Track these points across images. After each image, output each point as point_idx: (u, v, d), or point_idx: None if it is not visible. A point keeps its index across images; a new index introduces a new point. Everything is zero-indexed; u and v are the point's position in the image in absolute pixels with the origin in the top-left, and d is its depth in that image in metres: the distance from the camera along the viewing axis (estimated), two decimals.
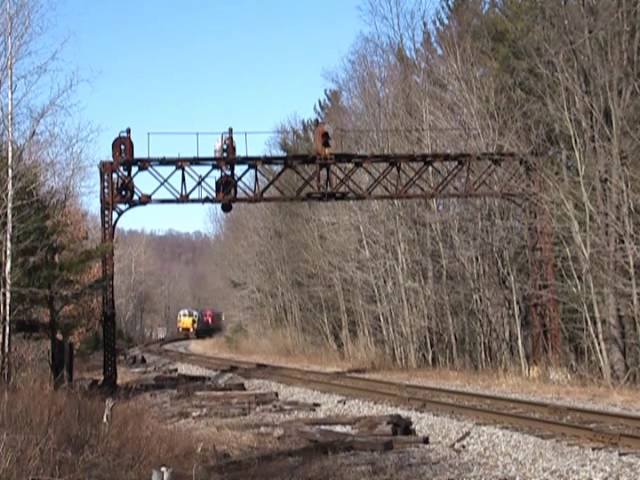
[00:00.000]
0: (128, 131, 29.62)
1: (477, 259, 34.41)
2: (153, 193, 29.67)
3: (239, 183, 30.54)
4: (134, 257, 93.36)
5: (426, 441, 16.04)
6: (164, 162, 29.79)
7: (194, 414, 21.30)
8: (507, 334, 33.70)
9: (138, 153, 29.70)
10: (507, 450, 14.18)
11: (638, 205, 25.14)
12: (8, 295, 21.72)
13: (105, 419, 14.34)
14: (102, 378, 29.59)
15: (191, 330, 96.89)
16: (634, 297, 24.95)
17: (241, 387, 28.97)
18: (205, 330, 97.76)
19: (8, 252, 21.59)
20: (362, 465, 13.63)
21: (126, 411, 17.10)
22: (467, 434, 15.75)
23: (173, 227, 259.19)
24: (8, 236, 21.49)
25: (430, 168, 32.69)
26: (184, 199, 29.88)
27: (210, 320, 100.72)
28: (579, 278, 27.77)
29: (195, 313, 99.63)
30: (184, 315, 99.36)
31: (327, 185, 30.33)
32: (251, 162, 30.47)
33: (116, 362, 31.19)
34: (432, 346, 36.85)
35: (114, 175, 29.64)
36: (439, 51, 41.19)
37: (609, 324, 26.52)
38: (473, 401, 20.64)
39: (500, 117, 32.76)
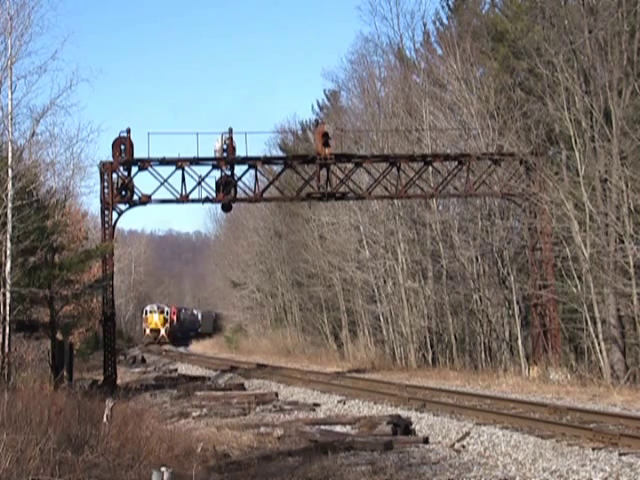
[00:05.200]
0: (128, 131, 29.60)
1: (477, 259, 34.40)
2: (153, 193, 29.69)
3: (239, 183, 30.55)
4: (134, 257, 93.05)
5: (426, 441, 16.05)
6: (164, 162, 29.77)
7: (194, 414, 21.30)
8: (507, 334, 33.69)
9: (138, 153, 29.70)
10: (507, 450, 14.18)
11: (638, 205, 25.13)
12: (8, 295, 21.72)
13: (105, 419, 14.34)
14: (102, 378, 29.58)
15: (162, 333, 75.71)
16: (634, 297, 24.93)
17: (241, 387, 28.99)
18: (178, 332, 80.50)
19: (8, 252, 21.60)
20: (362, 465, 13.63)
21: (126, 411, 17.10)
22: (467, 434, 15.75)
23: (173, 227, 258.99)
24: (8, 236, 21.50)
25: (430, 168, 32.67)
26: (184, 199, 29.87)
27: (175, 319, 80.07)
28: (579, 278, 27.76)
29: (167, 310, 78.34)
30: (151, 312, 77.20)
31: (327, 185, 30.32)
32: (251, 162, 30.46)
33: (116, 362, 31.19)
34: (432, 346, 36.85)
35: (114, 175, 29.64)
36: (439, 51, 41.20)
37: (609, 324, 26.52)
38: (473, 401, 20.63)
39: (500, 117, 32.75)
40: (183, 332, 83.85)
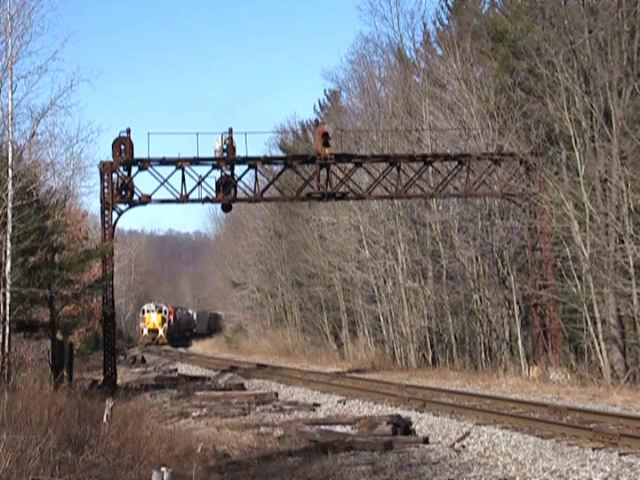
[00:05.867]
0: (128, 131, 29.61)
1: (477, 259, 34.40)
2: (153, 193, 29.70)
3: (239, 183, 30.56)
4: (134, 257, 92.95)
5: (426, 441, 16.05)
6: (164, 162, 29.78)
7: (194, 414, 21.30)
8: (507, 334, 33.68)
9: (138, 153, 29.70)
10: (507, 450, 14.18)
11: (638, 205, 25.12)
12: (8, 295, 21.71)
13: (105, 419, 14.35)
14: (102, 378, 29.58)
15: (160, 333, 72.64)
16: (634, 297, 24.92)
17: (241, 387, 28.99)
18: (175, 333, 76.88)
19: (8, 252, 21.59)
20: (362, 465, 13.64)
21: (126, 411, 17.09)
22: (467, 434, 15.75)
23: (173, 227, 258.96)
24: (8, 236, 21.49)
25: (430, 168, 32.67)
26: (184, 199, 29.88)
27: (172, 319, 77.02)
28: (579, 278, 27.75)
29: (165, 309, 75.09)
30: (149, 311, 73.69)
31: (327, 185, 30.32)
32: (251, 162, 30.46)
33: (116, 362, 31.19)
34: (432, 346, 36.84)
35: (114, 175, 29.64)
36: (439, 51, 41.21)
37: (609, 324, 26.51)
38: (473, 401, 20.64)
39: (500, 117, 32.74)
40: (179, 333, 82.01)
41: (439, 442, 15.93)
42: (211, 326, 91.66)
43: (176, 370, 42.08)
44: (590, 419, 16.19)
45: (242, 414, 21.39)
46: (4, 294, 21.69)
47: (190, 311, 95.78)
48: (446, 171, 32.50)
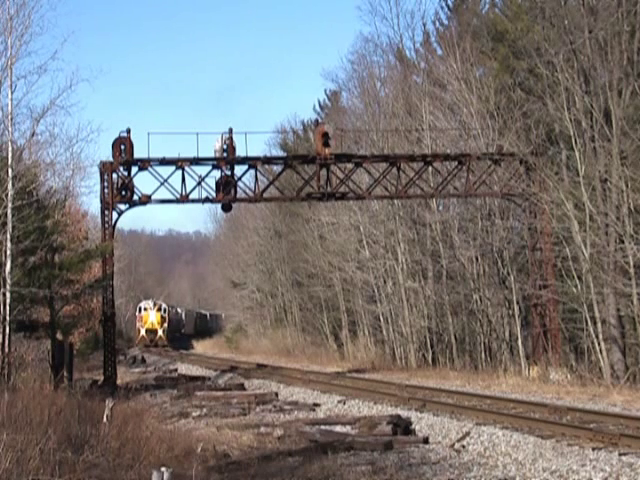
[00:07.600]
0: (128, 131, 29.61)
1: (477, 259, 34.40)
2: (153, 193, 29.70)
3: (239, 183, 30.57)
4: (134, 257, 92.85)
5: (426, 441, 16.05)
6: (164, 162, 29.79)
7: (194, 414, 21.30)
8: (507, 334, 33.69)
9: (138, 153, 29.71)
10: (507, 450, 14.18)
11: (638, 205, 25.12)
12: (8, 295, 21.72)
13: (105, 419, 14.34)
14: (102, 378, 29.59)
15: (160, 334, 67.58)
16: (634, 297, 24.93)
17: (241, 387, 29.01)
18: (169, 333, 70.33)
19: (8, 252, 21.60)
20: (362, 465, 13.63)
21: (126, 411, 17.08)
22: (467, 434, 15.75)
23: (173, 227, 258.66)
24: (8, 236, 21.51)
25: (430, 168, 32.68)
26: (184, 199, 29.89)
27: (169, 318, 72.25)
28: (579, 278, 27.75)
29: (164, 306, 70.29)
30: (146, 309, 68.79)
31: (327, 185, 30.33)
32: (251, 162, 30.47)
33: (116, 362, 31.20)
34: (432, 346, 36.85)
35: (114, 175, 29.65)
36: (439, 51, 41.23)
37: (609, 324, 26.51)
38: (473, 401, 20.63)
39: (500, 117, 32.76)
40: (172, 333, 77.47)
41: (439, 442, 15.93)
42: (197, 327, 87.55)
43: (176, 370, 42.11)
44: (590, 419, 16.19)
45: (242, 414, 21.39)
46: (4, 294, 21.70)
47: (179, 310, 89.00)
48: (446, 171, 32.50)
